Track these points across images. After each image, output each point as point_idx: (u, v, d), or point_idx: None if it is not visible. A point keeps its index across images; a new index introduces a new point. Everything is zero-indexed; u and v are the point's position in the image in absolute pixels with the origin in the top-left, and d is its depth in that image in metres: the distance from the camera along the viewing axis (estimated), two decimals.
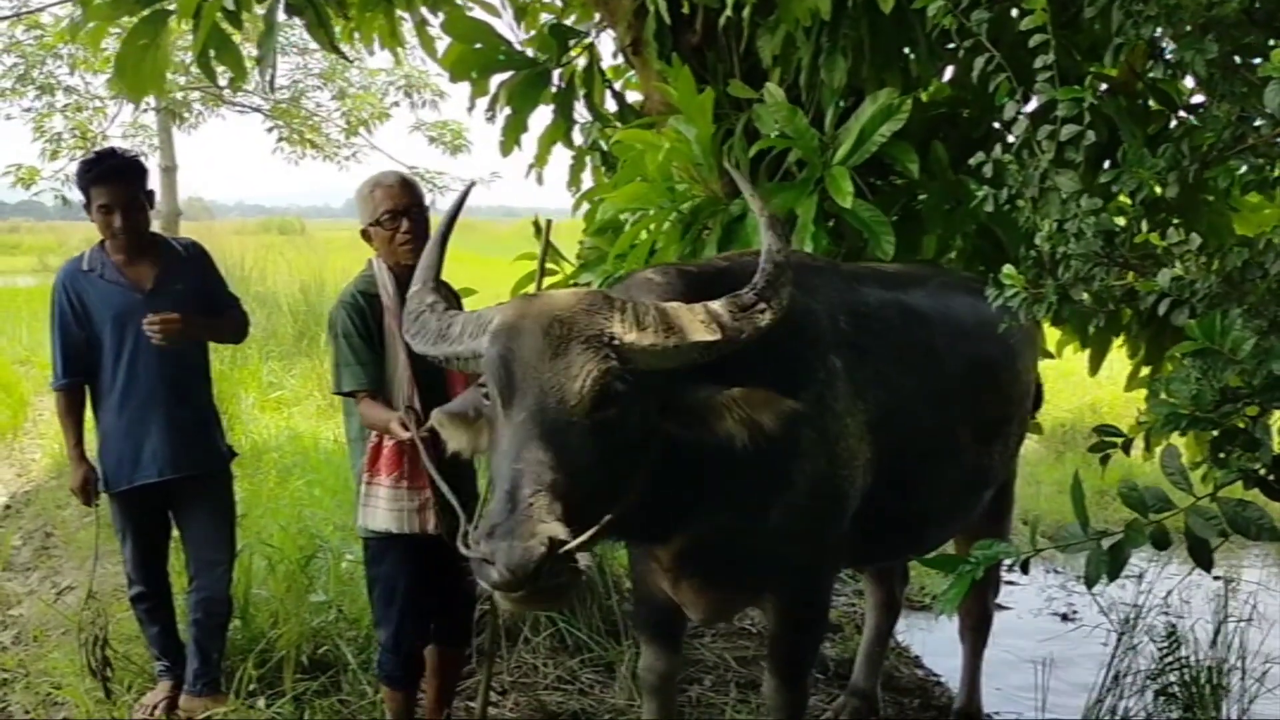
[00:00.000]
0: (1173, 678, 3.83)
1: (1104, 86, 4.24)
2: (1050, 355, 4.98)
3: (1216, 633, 3.99)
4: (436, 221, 3.57)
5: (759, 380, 2.95)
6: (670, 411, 2.75)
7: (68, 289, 4.26)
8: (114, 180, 4.22)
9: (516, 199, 43.82)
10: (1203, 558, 2.19)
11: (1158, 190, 2.68)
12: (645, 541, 3.26)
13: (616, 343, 2.63)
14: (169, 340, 4.12)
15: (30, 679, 4.72)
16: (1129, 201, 2.70)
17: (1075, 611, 6.49)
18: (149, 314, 4.15)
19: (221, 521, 4.45)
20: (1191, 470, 2.30)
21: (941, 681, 5.30)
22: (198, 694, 4.32)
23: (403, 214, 3.75)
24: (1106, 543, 2.22)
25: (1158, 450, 2.38)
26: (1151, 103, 4.47)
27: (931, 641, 5.84)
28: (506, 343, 2.68)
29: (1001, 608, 6.61)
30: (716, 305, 2.73)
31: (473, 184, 3.93)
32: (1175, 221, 3.36)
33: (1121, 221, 2.64)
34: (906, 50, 4.52)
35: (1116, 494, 2.35)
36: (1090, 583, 2.21)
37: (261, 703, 4.16)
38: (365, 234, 3.83)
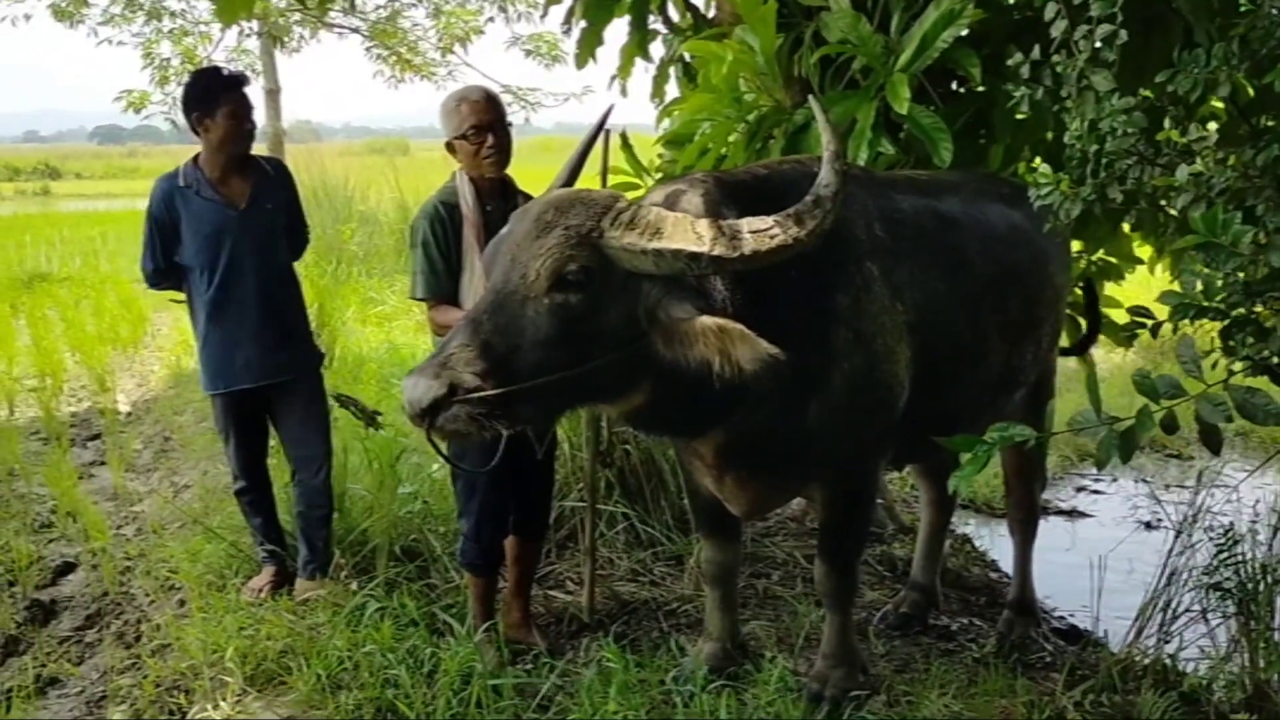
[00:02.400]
0: (1228, 574, 3.87)
1: None
2: (1139, 261, 4.95)
3: (1276, 530, 4.00)
4: (525, 139, 3.70)
5: (794, 285, 3.06)
6: (652, 323, 2.81)
7: (162, 205, 4.50)
8: (240, 86, 4.50)
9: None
10: (1212, 442, 2.27)
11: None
12: (685, 436, 3.40)
13: (596, 236, 2.75)
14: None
15: (150, 565, 5.15)
16: (1223, 102, 2.65)
17: (1159, 519, 6.49)
18: (242, 231, 4.45)
19: (314, 421, 4.72)
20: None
21: (1010, 582, 5.40)
22: (309, 577, 4.66)
23: (488, 129, 3.89)
24: (1120, 427, 2.32)
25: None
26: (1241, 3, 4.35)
27: (1006, 546, 5.92)
28: (510, 225, 2.90)
29: (1083, 515, 6.70)
30: (727, 223, 2.77)
31: (611, 107, 4.01)
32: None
33: (1194, 130, 2.65)
34: None
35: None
36: (1101, 465, 2.31)
37: (354, 585, 4.48)
38: (450, 146, 3.97)
